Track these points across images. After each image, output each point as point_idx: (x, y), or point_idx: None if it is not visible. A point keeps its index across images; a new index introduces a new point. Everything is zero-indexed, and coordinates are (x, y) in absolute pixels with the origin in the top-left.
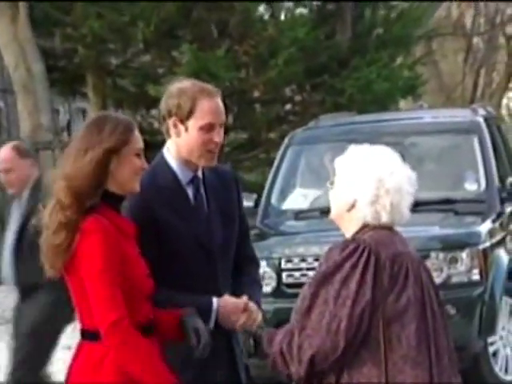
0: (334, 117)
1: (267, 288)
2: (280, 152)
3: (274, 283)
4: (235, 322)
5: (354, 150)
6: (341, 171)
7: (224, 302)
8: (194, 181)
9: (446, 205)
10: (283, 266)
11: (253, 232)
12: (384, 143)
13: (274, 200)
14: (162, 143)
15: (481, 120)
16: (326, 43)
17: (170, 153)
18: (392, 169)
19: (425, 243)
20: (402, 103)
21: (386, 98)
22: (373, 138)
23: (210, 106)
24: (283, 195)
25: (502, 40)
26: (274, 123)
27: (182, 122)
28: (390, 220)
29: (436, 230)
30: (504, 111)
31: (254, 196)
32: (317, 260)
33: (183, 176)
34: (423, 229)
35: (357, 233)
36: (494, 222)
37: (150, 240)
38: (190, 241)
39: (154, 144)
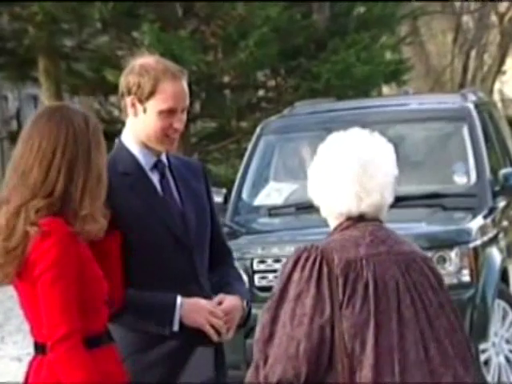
0: (310, 104)
1: None
2: (252, 142)
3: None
4: (201, 323)
5: (331, 136)
6: (315, 159)
7: (189, 302)
8: (157, 166)
9: (433, 199)
10: (255, 267)
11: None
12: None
13: (245, 195)
14: (121, 132)
15: (471, 106)
16: (302, 23)
17: (129, 136)
18: (367, 153)
19: (410, 240)
20: (385, 89)
21: (367, 83)
22: (354, 127)
23: (173, 90)
24: (255, 190)
25: (494, 18)
26: (245, 111)
27: (141, 102)
28: (370, 210)
29: (422, 227)
30: (496, 96)
31: (224, 191)
32: None
33: (145, 161)
34: (408, 226)
35: (335, 229)
36: (485, 217)
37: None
38: (161, 231)
39: (113, 134)
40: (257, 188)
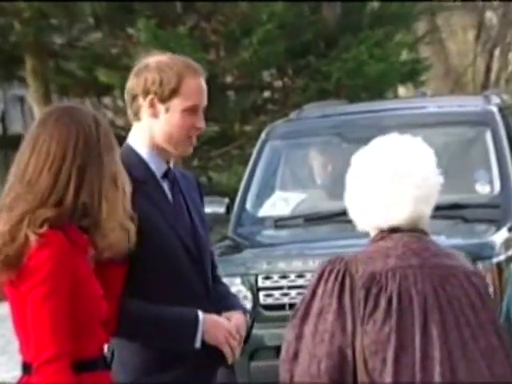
0: (320, 106)
1: None
2: (256, 148)
3: (249, 304)
4: (221, 341)
5: (372, 143)
6: (352, 167)
7: (210, 318)
8: (167, 175)
9: (453, 210)
10: (260, 283)
11: (225, 243)
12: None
13: (249, 205)
14: (117, 137)
15: (494, 110)
16: (310, 18)
17: (138, 140)
18: (400, 163)
19: None
20: (401, 90)
21: (381, 82)
22: (366, 132)
23: (197, 86)
24: (260, 200)
25: None
26: (249, 114)
27: (163, 101)
28: (403, 223)
29: (442, 241)
30: None
31: (226, 200)
32: (300, 277)
33: (156, 168)
34: None
35: (372, 239)
36: (510, 230)
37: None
38: (175, 243)
39: None
40: (262, 198)
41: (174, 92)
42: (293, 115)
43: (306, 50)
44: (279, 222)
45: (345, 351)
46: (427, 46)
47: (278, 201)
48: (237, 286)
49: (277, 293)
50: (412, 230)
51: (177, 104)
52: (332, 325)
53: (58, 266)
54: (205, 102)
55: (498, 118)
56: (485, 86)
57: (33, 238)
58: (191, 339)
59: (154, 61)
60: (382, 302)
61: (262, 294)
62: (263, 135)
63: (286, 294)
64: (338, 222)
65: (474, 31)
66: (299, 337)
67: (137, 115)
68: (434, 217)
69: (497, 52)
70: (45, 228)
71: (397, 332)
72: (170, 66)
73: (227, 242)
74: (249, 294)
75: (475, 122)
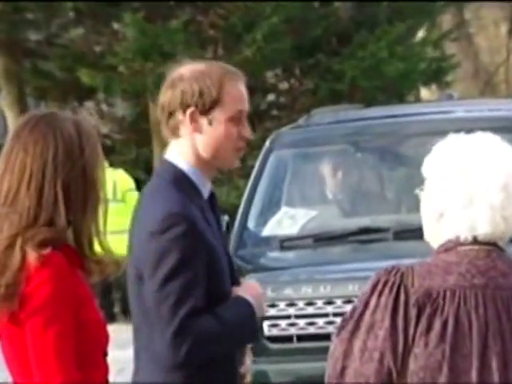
0: (332, 111)
1: None
2: (260, 159)
3: None
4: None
5: (445, 142)
6: (427, 172)
7: (250, 291)
8: (212, 195)
9: None
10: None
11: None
12: (401, 146)
13: (251, 224)
14: (101, 145)
15: None
16: (321, 12)
17: (181, 159)
18: (493, 163)
19: None
20: (424, 92)
21: (401, 84)
22: (384, 140)
23: (238, 91)
24: (264, 217)
25: None
26: (251, 120)
27: (204, 113)
28: (489, 232)
29: None
30: None
31: (226, 218)
32: (310, 304)
33: (204, 188)
34: None
35: (436, 252)
36: None
37: (203, 269)
38: (225, 264)
39: None
40: (266, 215)
41: (216, 102)
42: (301, 121)
43: (316, 46)
44: (286, 243)
45: (393, 373)
46: (454, 43)
47: (285, 218)
48: None
49: (283, 323)
50: (486, 243)
51: (220, 114)
52: (383, 343)
53: (59, 288)
54: (248, 108)
55: None
56: None
57: (33, 259)
58: (255, 332)
59: (188, 70)
60: (437, 325)
61: (266, 323)
62: (267, 144)
63: (293, 324)
64: (352, 242)
65: (506, 25)
66: (347, 352)
67: (176, 132)
68: None
69: None
70: (47, 249)
71: (450, 360)
72: (208, 74)
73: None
74: None
75: (509, 128)
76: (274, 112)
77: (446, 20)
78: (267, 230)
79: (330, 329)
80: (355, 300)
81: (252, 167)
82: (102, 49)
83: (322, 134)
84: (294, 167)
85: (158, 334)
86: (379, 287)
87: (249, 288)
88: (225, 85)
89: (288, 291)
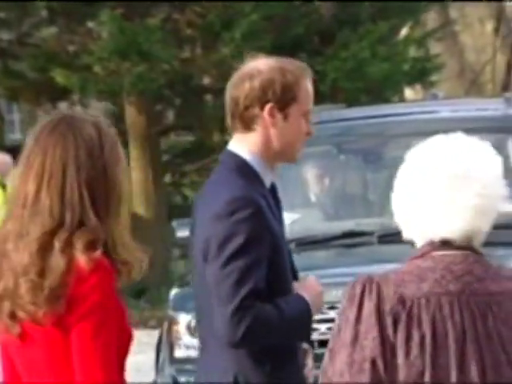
0: (314, 111)
1: None
2: None
3: None
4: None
5: (427, 141)
6: (404, 165)
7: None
8: (273, 186)
9: None
10: None
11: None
12: (385, 147)
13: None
14: None
15: None
16: (302, 9)
17: (247, 150)
18: (459, 167)
19: None
20: (408, 92)
21: (385, 84)
22: (368, 142)
23: (309, 88)
24: None
25: None
26: None
27: (282, 108)
28: (465, 236)
29: None
30: None
31: None
32: None
33: (266, 178)
34: None
35: (412, 257)
36: None
37: (266, 253)
38: (286, 253)
39: None
40: None
41: (294, 98)
42: None
43: (297, 46)
44: None
45: (384, 383)
46: (439, 42)
47: None
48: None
49: None
50: (463, 247)
51: (295, 110)
52: (372, 352)
53: (109, 293)
54: None
55: None
56: (506, 87)
57: (83, 262)
58: (309, 331)
59: (265, 65)
60: (415, 335)
61: None
62: None
63: None
64: (336, 246)
65: (492, 23)
66: (334, 370)
67: (249, 126)
68: None
69: None
70: (97, 252)
71: (431, 370)
72: (286, 70)
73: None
74: None
75: (495, 128)
76: None
77: (431, 18)
78: None
79: (314, 335)
80: (339, 305)
81: None
82: (76, 48)
83: None
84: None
85: (217, 313)
86: (357, 299)
87: (308, 286)
88: (301, 82)
89: None
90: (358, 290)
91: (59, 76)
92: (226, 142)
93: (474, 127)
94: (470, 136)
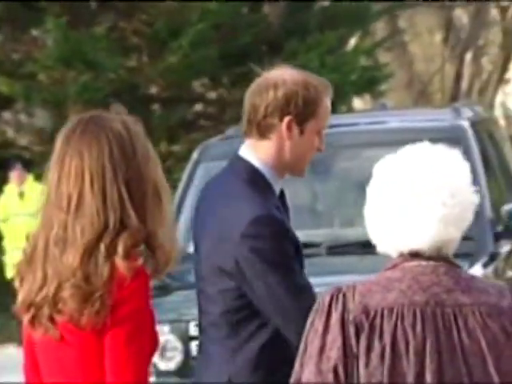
0: None
1: (170, 363)
2: (187, 171)
3: (179, 357)
4: None
5: (391, 154)
6: (373, 176)
7: None
8: (282, 193)
9: None
10: (193, 332)
11: (152, 284)
12: (333, 158)
13: (178, 239)
14: (20, 158)
15: (466, 124)
16: (250, 18)
17: (257, 158)
18: (423, 176)
19: None
20: (357, 102)
21: (334, 95)
22: (318, 152)
23: (328, 106)
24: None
25: (494, 13)
26: (177, 131)
27: (300, 122)
28: (434, 246)
29: None
30: (498, 112)
31: None
32: None
33: (276, 188)
34: None
35: (384, 268)
36: (485, 266)
37: (296, 262)
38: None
39: (5, 159)
40: None
41: (313, 114)
42: (230, 132)
43: (245, 55)
44: None
45: None
46: (388, 52)
47: None
48: (165, 335)
49: None
50: (434, 258)
51: (312, 126)
52: (335, 362)
53: (146, 300)
54: None
55: (470, 134)
56: (454, 97)
57: (123, 269)
58: None
59: (290, 75)
60: (376, 345)
61: (195, 344)
62: (195, 156)
63: None
64: None
65: (441, 33)
66: (300, 380)
67: (265, 134)
68: None
69: (468, 57)
70: (140, 259)
71: (389, 380)
72: (310, 84)
73: (153, 283)
74: (179, 345)
75: (444, 139)
76: (202, 122)
77: (380, 28)
78: None
79: None
80: None
81: (178, 180)
82: (21, 56)
83: None
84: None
85: (287, 328)
86: (325, 310)
87: None
88: (322, 98)
89: None
90: (327, 301)
91: (3, 84)
92: (172, 152)
93: (422, 138)
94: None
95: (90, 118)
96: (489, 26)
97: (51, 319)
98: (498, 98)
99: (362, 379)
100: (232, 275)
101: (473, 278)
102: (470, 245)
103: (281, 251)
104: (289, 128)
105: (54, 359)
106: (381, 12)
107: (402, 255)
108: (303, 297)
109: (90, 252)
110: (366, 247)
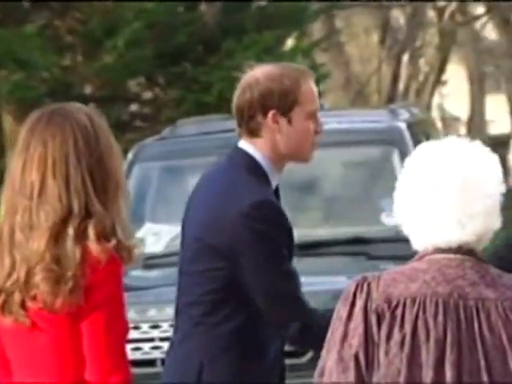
0: (198, 122)
1: None
2: None
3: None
4: None
5: (422, 146)
6: (404, 176)
7: None
8: (277, 189)
9: (355, 245)
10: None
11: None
12: None
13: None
14: None
15: (403, 126)
16: (186, 17)
17: (257, 154)
18: (468, 170)
19: (327, 301)
20: None
21: None
22: None
23: (312, 89)
24: None
25: (431, 14)
26: (112, 131)
27: (284, 113)
28: (471, 240)
29: (342, 283)
30: (435, 113)
31: None
32: None
33: (273, 179)
34: (324, 280)
35: (414, 260)
36: None
37: (288, 252)
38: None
39: None
40: None
41: (295, 102)
42: (166, 132)
43: (181, 55)
44: (149, 261)
45: (366, 381)
46: (324, 52)
47: (148, 235)
48: None
49: (147, 346)
50: (462, 252)
51: (299, 112)
52: (357, 349)
53: (121, 284)
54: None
55: (407, 136)
56: (391, 98)
57: (96, 252)
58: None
59: (262, 73)
60: (396, 333)
61: (128, 347)
62: (130, 156)
63: (157, 347)
64: None
65: (378, 33)
66: (323, 368)
67: (256, 133)
68: (333, 253)
69: (405, 58)
70: (113, 242)
71: (407, 370)
72: (284, 75)
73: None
74: None
75: (380, 141)
76: (137, 123)
77: (317, 29)
78: None
79: (138, 354)
80: None
81: None
82: None
83: (189, 146)
84: (159, 181)
85: (268, 302)
86: (350, 298)
87: None
88: (301, 85)
89: (152, 313)
90: (352, 290)
91: None
92: None
93: (358, 140)
94: (352, 149)
95: (55, 110)
96: (426, 27)
97: (23, 306)
98: (435, 100)
99: (382, 367)
100: (222, 253)
101: (501, 274)
102: (407, 247)
103: (275, 235)
104: (275, 121)
105: (24, 347)
106: (318, 12)
107: (430, 249)
108: (288, 281)
109: (56, 236)
110: (302, 249)
